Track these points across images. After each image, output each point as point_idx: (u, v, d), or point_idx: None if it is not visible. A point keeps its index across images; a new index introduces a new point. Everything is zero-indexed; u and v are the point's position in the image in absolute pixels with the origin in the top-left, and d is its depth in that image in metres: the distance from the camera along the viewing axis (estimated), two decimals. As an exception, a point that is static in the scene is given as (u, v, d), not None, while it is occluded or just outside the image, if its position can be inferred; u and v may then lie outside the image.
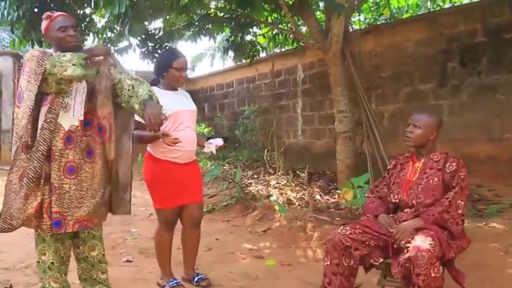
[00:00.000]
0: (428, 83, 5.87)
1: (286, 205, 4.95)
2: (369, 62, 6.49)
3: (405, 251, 2.21)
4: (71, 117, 2.44)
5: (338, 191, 5.56)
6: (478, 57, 5.27)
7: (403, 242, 2.29)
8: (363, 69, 6.19)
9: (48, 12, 2.54)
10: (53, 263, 2.49)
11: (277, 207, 4.67)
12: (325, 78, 7.27)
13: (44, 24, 2.52)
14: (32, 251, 3.92)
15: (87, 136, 2.50)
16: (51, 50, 2.51)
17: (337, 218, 4.39)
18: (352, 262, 2.40)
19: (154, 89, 3.05)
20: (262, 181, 6.67)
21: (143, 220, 5.24)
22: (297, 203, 5.17)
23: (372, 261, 2.42)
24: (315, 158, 7.50)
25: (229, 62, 24.32)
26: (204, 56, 20.13)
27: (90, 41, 6.17)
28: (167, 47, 5.59)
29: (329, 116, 7.43)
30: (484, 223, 3.84)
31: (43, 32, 2.55)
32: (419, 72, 5.98)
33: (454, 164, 2.49)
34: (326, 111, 7.59)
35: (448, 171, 2.48)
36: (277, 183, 6.30)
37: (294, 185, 6.02)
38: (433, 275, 2.10)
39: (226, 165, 7.98)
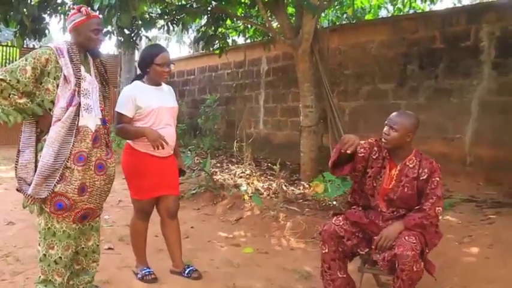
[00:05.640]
0: (388, 83, 6.26)
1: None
2: (333, 60, 6.78)
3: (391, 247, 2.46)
4: (94, 117, 2.52)
5: (302, 183, 5.84)
6: (436, 62, 5.71)
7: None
8: (328, 66, 6.49)
9: (86, 8, 2.51)
10: (60, 257, 2.51)
11: (250, 198, 4.85)
12: (289, 71, 7.53)
13: (78, 17, 2.49)
14: (7, 239, 3.93)
15: (105, 132, 2.60)
16: (62, 43, 2.52)
17: (307, 209, 4.65)
18: (345, 248, 2.64)
19: (138, 83, 3.13)
20: (226, 170, 6.83)
21: (113, 207, 5.26)
22: (265, 193, 5.39)
23: (359, 250, 2.66)
24: (276, 149, 7.74)
25: (186, 48, 23.97)
26: (159, 39, 19.80)
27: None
28: (143, 36, 5.58)
29: (291, 109, 7.69)
30: (439, 216, 4.24)
31: (73, 25, 2.49)
32: (380, 72, 6.36)
33: (427, 169, 2.60)
34: (288, 103, 7.83)
35: (421, 178, 2.60)
36: (242, 172, 6.49)
37: (258, 174, 6.24)
38: (415, 269, 2.36)
39: (189, 153, 8.05)
